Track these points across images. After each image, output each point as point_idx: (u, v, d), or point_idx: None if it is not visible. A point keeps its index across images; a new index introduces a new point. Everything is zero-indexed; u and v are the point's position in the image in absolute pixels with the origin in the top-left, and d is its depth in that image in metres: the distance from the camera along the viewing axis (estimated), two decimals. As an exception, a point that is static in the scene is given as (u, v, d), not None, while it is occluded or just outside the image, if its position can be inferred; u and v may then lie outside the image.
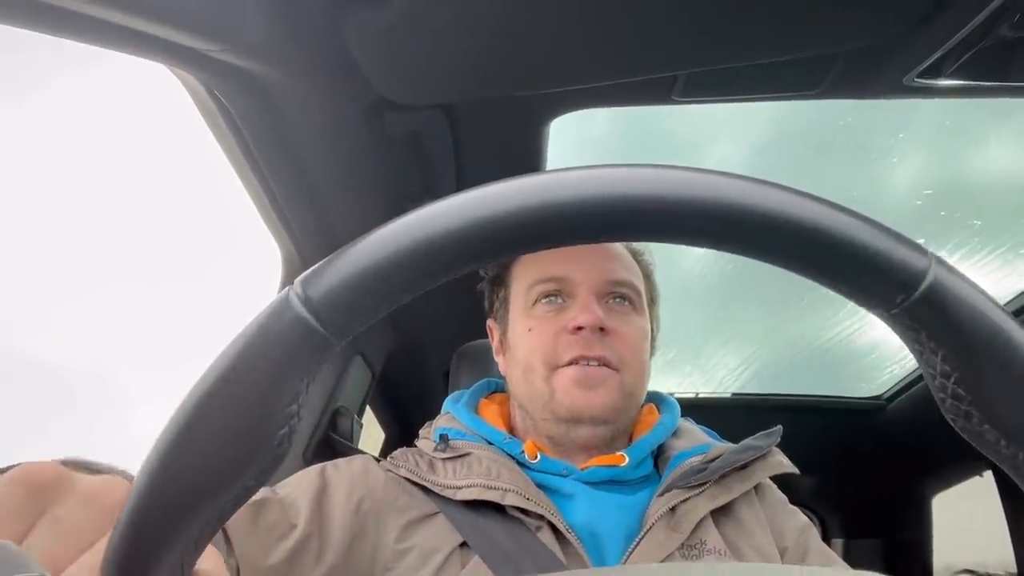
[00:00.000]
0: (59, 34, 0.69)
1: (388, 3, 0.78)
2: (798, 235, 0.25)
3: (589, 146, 1.42)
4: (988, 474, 1.83)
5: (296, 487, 0.72)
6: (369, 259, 0.27)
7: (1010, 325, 0.25)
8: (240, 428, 0.27)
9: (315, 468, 0.76)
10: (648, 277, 0.88)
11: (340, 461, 0.78)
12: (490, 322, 0.91)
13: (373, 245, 0.27)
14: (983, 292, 0.26)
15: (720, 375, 2.13)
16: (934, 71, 0.90)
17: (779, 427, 0.80)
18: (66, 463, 0.39)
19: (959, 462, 1.90)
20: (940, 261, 0.25)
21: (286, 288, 0.27)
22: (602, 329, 0.77)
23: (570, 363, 0.77)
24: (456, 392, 0.92)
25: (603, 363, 0.77)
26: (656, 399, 0.89)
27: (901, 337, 0.27)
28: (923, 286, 0.25)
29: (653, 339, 0.87)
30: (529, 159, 1.11)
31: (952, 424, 0.27)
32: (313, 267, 0.27)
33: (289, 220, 1.10)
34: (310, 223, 1.13)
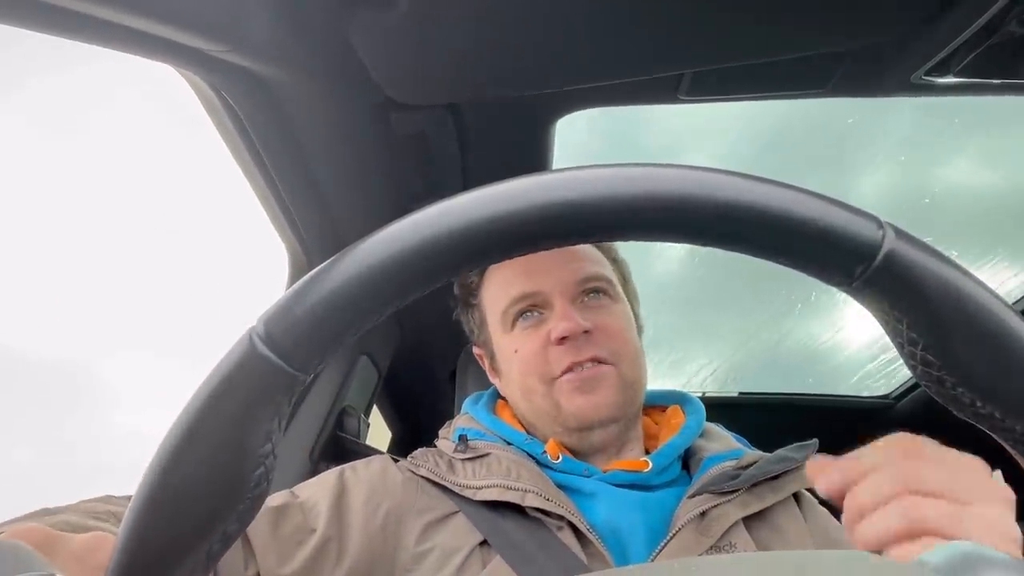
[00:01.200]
0: (65, 35, 0.69)
1: (394, 4, 0.78)
2: (751, 219, 0.25)
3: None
4: (997, 474, 1.82)
5: (316, 491, 0.72)
6: (326, 291, 0.27)
7: (970, 285, 0.25)
8: (215, 474, 0.27)
9: (334, 471, 0.75)
10: (615, 260, 0.87)
11: (358, 464, 0.78)
12: (476, 349, 0.91)
13: (328, 276, 0.27)
14: (941, 255, 0.25)
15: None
16: (942, 69, 0.90)
17: (815, 441, 0.78)
18: (51, 521, 0.39)
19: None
20: (895, 229, 0.25)
21: (247, 330, 0.27)
22: (586, 332, 0.77)
23: (565, 372, 0.77)
24: (475, 393, 0.92)
25: (596, 361, 0.77)
26: (681, 400, 0.88)
27: (868, 310, 0.27)
28: (880, 256, 0.25)
29: (636, 317, 0.86)
30: (535, 159, 1.11)
31: (928, 391, 0.27)
32: (271, 306, 0.27)
33: (295, 220, 1.11)
34: (316, 223, 1.13)
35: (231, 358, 0.27)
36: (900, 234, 0.25)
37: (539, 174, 0.27)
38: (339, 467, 0.76)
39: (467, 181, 1.12)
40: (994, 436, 0.26)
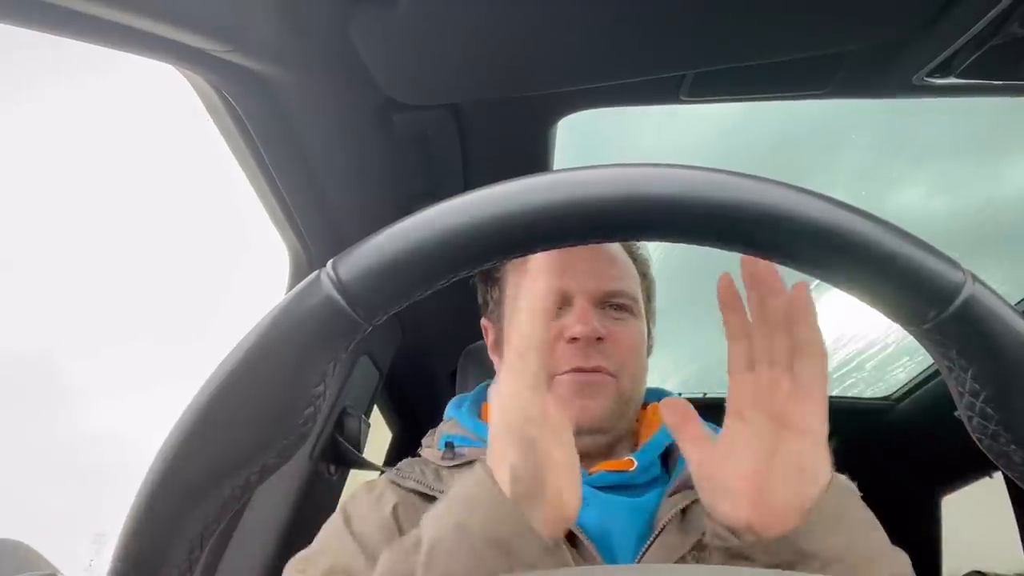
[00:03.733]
0: (66, 35, 0.69)
1: (395, 4, 0.78)
2: (835, 245, 0.25)
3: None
4: (998, 475, 1.82)
5: (328, 544, 0.70)
6: (402, 244, 0.27)
7: None
8: (267, 404, 0.27)
9: (336, 515, 0.74)
10: (645, 275, 0.87)
11: (358, 491, 0.77)
12: (484, 321, 0.90)
13: (407, 230, 0.27)
14: (1017, 311, 0.25)
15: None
16: (944, 70, 0.89)
17: None
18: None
19: (969, 463, 1.89)
20: (975, 278, 0.25)
21: (317, 270, 0.27)
22: (599, 338, 0.77)
23: (567, 372, 0.77)
24: (458, 397, 0.91)
25: (599, 371, 0.77)
26: (661, 398, 0.89)
27: (930, 352, 0.27)
28: (957, 302, 0.24)
29: (650, 336, 0.86)
30: (536, 159, 1.10)
31: (978, 443, 0.27)
32: (347, 249, 0.27)
33: (296, 219, 1.11)
34: (317, 222, 1.13)
35: (299, 294, 0.27)
36: (978, 282, 0.25)
37: (654, 164, 0.27)
38: (341, 502, 0.75)
39: (468, 181, 1.12)
40: None
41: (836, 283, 0.26)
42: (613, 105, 1.07)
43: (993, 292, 0.25)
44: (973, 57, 0.86)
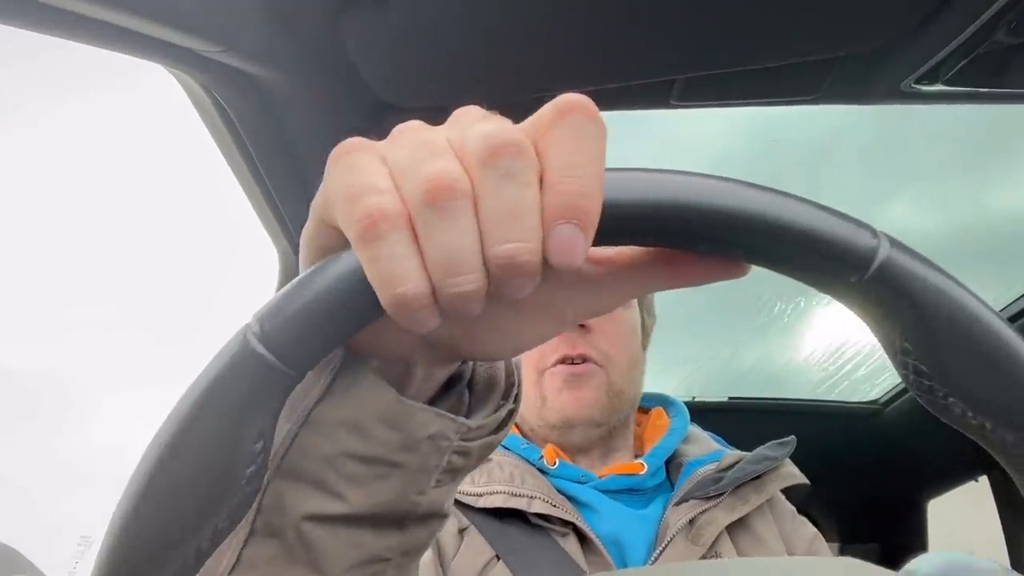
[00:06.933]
0: (57, 34, 0.68)
1: (386, 6, 0.78)
2: (749, 226, 0.25)
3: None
4: (983, 479, 1.83)
5: None
6: (323, 287, 0.26)
7: (964, 296, 0.25)
8: (205, 468, 0.26)
9: None
10: None
11: None
12: None
13: (328, 273, 0.27)
14: (935, 266, 0.25)
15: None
16: (931, 77, 0.90)
17: (792, 437, 0.79)
18: None
19: (955, 467, 1.90)
20: (892, 240, 0.25)
21: (243, 325, 0.27)
22: (583, 326, 0.76)
23: (556, 364, 0.77)
24: None
25: (586, 360, 0.77)
26: (664, 402, 0.88)
27: (861, 318, 0.27)
28: (874, 265, 0.25)
29: (645, 328, 0.85)
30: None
31: (920, 400, 0.27)
32: (267, 302, 0.27)
33: (286, 221, 1.10)
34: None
35: (225, 354, 0.27)
36: (895, 244, 0.25)
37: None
38: None
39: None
40: (984, 446, 0.26)
41: (759, 262, 0.27)
42: (603, 109, 1.06)
43: (910, 250, 0.25)
44: (961, 64, 0.87)
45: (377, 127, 0.99)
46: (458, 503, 0.71)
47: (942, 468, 1.94)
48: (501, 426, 0.36)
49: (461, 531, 0.69)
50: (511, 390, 0.37)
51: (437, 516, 0.36)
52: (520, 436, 0.80)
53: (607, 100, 1.03)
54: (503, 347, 0.33)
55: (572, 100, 0.26)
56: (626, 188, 0.26)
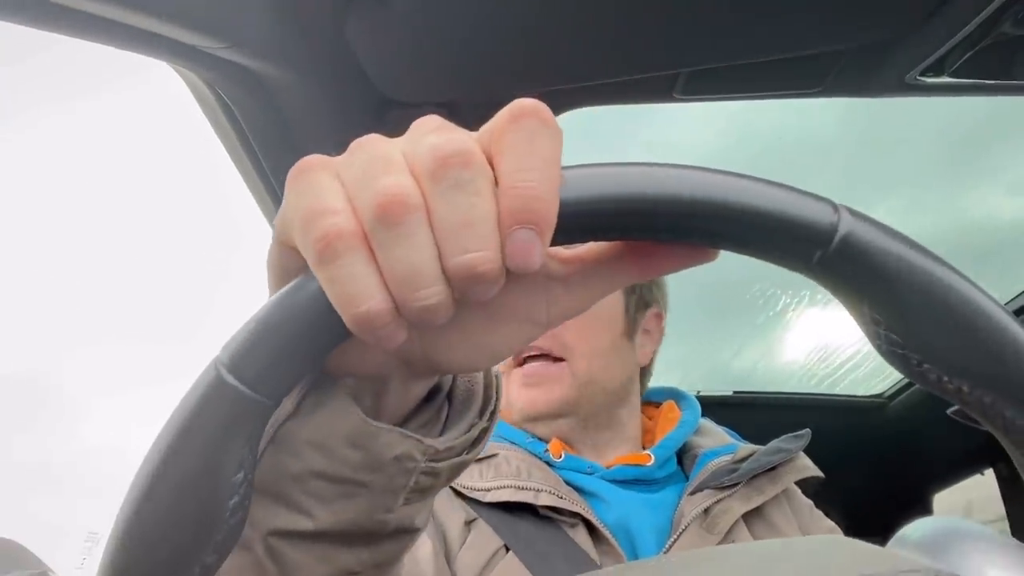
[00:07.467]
0: (61, 31, 0.69)
1: (391, 2, 0.78)
2: (707, 212, 0.25)
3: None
4: (989, 472, 1.83)
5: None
6: (290, 313, 0.26)
7: (927, 262, 0.25)
8: (189, 506, 0.26)
9: None
10: None
11: None
12: None
13: (288, 301, 0.26)
14: (897, 233, 0.25)
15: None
16: (936, 69, 0.90)
17: (807, 431, 0.79)
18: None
19: (960, 460, 1.90)
20: (853, 212, 0.25)
21: (212, 359, 0.27)
22: None
23: (521, 362, 0.77)
24: None
25: (544, 354, 0.77)
26: (676, 396, 0.88)
27: (832, 293, 0.27)
28: (836, 239, 0.25)
29: (631, 315, 0.84)
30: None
31: (897, 370, 0.27)
32: (235, 333, 0.27)
33: (291, 218, 1.10)
34: (312, 221, 1.12)
35: (197, 389, 0.26)
36: (856, 215, 0.25)
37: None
38: None
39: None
40: (965, 410, 0.26)
41: (721, 246, 0.27)
42: (606, 103, 1.07)
43: (871, 221, 0.25)
44: (965, 57, 0.87)
45: (382, 123, 0.99)
46: (465, 498, 0.71)
47: (947, 461, 1.94)
48: (473, 445, 0.36)
49: (468, 523, 0.69)
50: (488, 405, 0.37)
51: (408, 531, 0.36)
52: (524, 431, 0.80)
53: (610, 94, 1.03)
54: (479, 356, 0.33)
55: (524, 105, 0.26)
56: (581, 186, 0.26)
